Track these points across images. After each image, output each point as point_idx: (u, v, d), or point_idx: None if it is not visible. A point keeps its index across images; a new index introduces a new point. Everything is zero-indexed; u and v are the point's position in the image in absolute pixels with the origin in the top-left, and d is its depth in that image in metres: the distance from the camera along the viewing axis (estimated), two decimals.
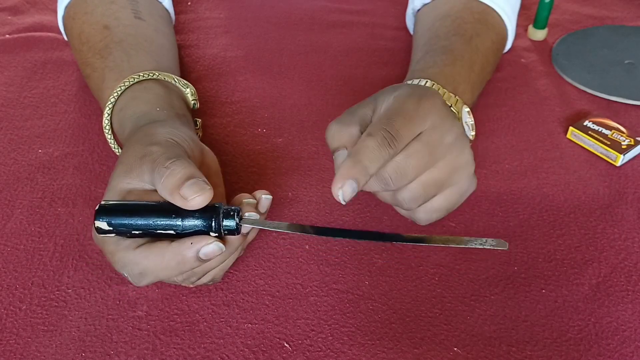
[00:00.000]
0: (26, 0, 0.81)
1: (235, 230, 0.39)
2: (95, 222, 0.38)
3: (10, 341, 0.42)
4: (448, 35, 0.58)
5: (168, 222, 0.38)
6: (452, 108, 0.47)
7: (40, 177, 0.54)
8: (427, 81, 0.49)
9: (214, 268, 0.41)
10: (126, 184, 0.41)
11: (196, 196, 0.38)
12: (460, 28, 0.58)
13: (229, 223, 0.39)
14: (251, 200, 0.42)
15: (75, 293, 0.45)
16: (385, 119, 0.41)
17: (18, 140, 0.59)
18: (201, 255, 0.38)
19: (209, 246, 0.38)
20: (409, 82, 0.50)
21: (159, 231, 0.38)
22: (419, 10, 0.67)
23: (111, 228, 0.38)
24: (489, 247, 0.38)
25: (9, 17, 0.78)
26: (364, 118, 0.44)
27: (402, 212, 0.46)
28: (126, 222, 0.38)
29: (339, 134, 0.43)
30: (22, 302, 0.44)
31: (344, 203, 0.39)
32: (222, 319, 0.43)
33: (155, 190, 0.40)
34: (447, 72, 0.52)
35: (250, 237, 0.44)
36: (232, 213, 0.39)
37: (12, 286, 0.45)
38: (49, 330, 0.42)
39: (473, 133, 0.49)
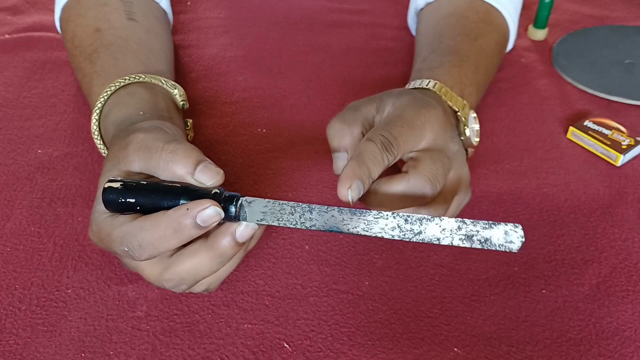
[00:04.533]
0: (26, 0, 0.81)
1: (235, 217, 0.38)
2: (107, 183, 0.38)
3: (10, 341, 0.42)
4: (453, 34, 0.57)
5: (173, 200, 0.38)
6: (458, 113, 0.47)
7: (40, 177, 0.54)
8: (436, 83, 0.49)
9: (206, 277, 0.39)
10: (114, 177, 0.40)
11: (213, 181, 0.38)
12: (465, 27, 0.58)
13: (230, 207, 0.38)
14: None
15: (75, 293, 0.45)
16: (383, 125, 0.41)
17: (18, 140, 0.59)
18: (199, 221, 0.36)
19: (206, 211, 0.36)
20: (418, 81, 0.50)
21: (164, 201, 0.38)
22: (421, 9, 0.67)
23: (121, 183, 0.38)
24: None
25: (9, 17, 0.78)
26: (367, 117, 0.44)
27: None
28: (135, 187, 0.38)
29: (340, 133, 0.43)
30: (22, 302, 0.44)
31: (352, 203, 0.38)
32: (222, 320, 0.43)
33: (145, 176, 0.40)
34: (455, 74, 0.51)
35: (251, 245, 0.43)
36: (233, 198, 0.38)
37: (12, 286, 0.45)
38: (48, 330, 0.42)
39: (477, 139, 0.49)
